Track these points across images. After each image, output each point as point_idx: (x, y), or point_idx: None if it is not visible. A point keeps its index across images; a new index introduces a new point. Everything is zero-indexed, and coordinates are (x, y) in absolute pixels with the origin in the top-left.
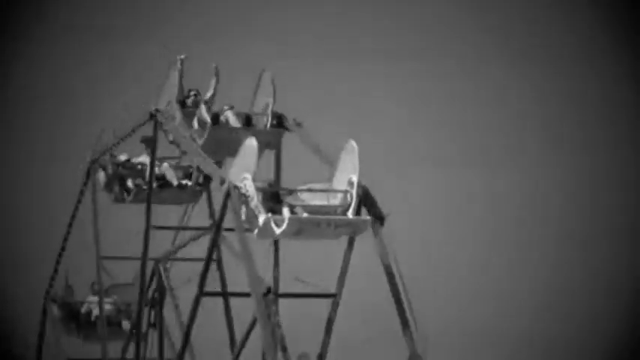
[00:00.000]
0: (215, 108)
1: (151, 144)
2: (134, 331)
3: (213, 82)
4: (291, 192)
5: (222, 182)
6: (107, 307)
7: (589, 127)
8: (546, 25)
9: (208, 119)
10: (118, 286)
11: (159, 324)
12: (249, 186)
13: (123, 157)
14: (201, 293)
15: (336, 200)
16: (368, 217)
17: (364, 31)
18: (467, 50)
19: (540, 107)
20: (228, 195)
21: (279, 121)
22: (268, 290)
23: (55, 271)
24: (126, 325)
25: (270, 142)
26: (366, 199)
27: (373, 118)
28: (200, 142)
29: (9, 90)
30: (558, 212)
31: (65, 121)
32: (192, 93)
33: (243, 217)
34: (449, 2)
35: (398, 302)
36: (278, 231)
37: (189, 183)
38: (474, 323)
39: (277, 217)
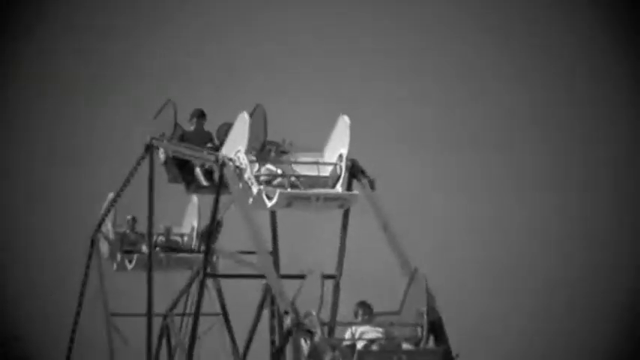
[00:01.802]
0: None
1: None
2: None
3: None
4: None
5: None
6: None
7: (588, 127)
8: (546, 25)
9: None
10: None
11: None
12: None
13: None
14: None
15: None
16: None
17: (364, 31)
18: (467, 50)
19: (540, 107)
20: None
21: (353, 173)
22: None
23: (107, 213)
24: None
25: (344, 204)
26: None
27: (373, 117)
28: (271, 203)
29: (9, 90)
30: (558, 212)
31: (65, 121)
32: None
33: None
34: (449, 2)
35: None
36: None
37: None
38: (474, 323)
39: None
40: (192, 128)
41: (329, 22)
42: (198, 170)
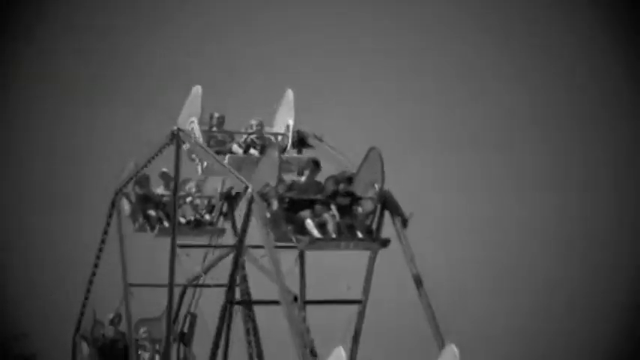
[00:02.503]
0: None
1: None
2: None
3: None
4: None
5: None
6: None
7: (588, 127)
8: (546, 25)
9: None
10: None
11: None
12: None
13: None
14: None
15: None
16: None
17: (364, 31)
18: (467, 50)
19: (540, 107)
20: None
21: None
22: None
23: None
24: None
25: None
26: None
27: (373, 117)
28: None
29: (9, 90)
30: (558, 212)
31: (65, 121)
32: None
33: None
34: (449, 2)
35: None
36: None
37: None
38: (474, 323)
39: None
40: (303, 179)
41: (329, 22)
42: (309, 222)
